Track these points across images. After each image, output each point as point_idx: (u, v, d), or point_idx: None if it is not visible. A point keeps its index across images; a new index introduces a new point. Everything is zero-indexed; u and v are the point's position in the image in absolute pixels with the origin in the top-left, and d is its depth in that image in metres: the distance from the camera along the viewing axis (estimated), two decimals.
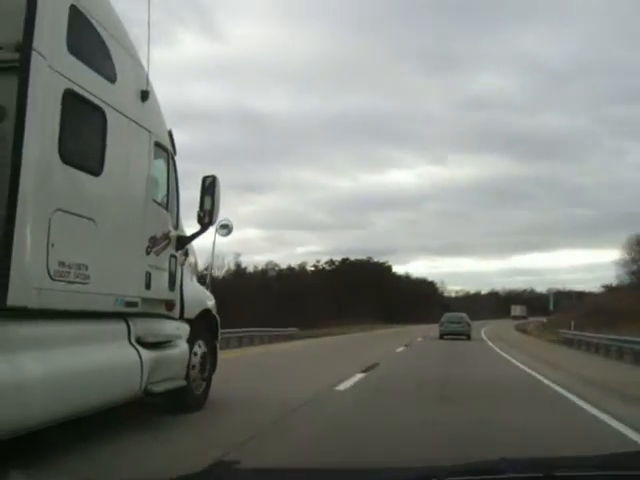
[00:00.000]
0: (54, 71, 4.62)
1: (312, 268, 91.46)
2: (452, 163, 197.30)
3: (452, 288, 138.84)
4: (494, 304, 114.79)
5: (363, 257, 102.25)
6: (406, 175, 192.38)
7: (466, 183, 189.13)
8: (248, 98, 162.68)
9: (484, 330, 49.64)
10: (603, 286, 73.55)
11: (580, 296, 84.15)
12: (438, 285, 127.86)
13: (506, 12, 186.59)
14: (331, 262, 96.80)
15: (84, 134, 5.12)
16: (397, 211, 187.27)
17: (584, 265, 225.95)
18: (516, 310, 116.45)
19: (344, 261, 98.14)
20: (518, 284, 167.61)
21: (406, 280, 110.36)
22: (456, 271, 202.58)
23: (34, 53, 4.37)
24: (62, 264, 4.75)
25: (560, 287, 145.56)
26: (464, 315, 36.40)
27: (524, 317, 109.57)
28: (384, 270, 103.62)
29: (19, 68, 4.36)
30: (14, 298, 4.21)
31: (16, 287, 4.22)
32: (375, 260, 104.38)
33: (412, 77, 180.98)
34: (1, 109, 4.44)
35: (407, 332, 45.21)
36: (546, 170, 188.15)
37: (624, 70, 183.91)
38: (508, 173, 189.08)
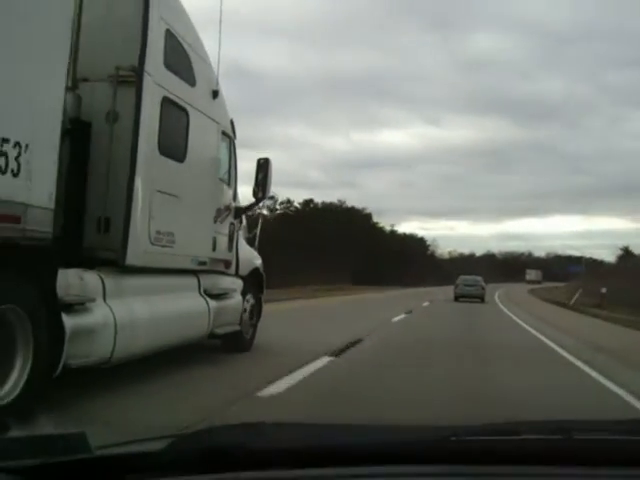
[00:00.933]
0: (156, 84, 6.00)
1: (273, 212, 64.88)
2: (448, 124, 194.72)
3: (444, 250, 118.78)
4: (490, 267, 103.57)
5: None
6: (401, 135, 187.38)
7: (461, 145, 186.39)
8: (241, 52, 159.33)
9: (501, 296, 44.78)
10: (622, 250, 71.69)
11: (593, 263, 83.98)
12: (429, 243, 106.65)
13: None
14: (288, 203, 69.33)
15: (173, 130, 6.50)
16: (390, 172, 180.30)
17: (579, 232, 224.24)
18: (531, 274, 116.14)
19: (307, 204, 72.40)
20: (512, 248, 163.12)
21: (393, 236, 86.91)
22: (448, 234, 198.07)
23: (145, 73, 5.75)
24: (158, 232, 6.20)
25: (559, 252, 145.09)
26: (479, 278, 37.00)
27: (539, 282, 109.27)
28: (363, 218, 78.46)
29: (133, 83, 5.74)
30: (130, 259, 5.68)
31: (131, 251, 5.68)
32: (353, 207, 78.06)
33: (411, 35, 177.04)
34: (115, 113, 5.83)
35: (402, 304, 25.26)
36: (543, 135, 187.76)
37: (626, 35, 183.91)
38: (504, 137, 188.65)
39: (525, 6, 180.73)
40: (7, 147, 3.93)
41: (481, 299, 34.78)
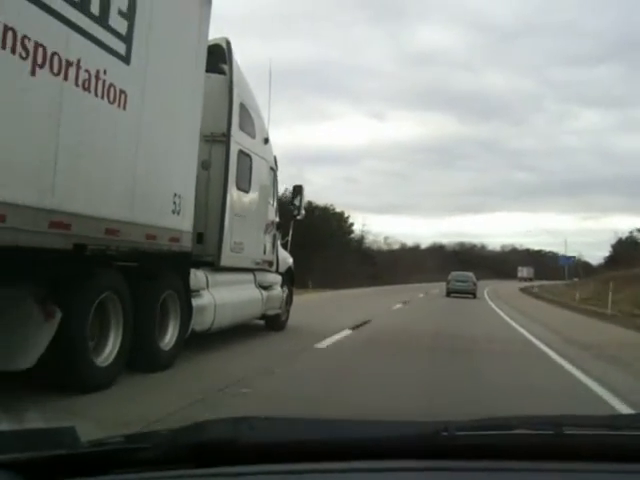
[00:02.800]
0: (235, 142, 8.79)
1: None
2: (393, 120, 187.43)
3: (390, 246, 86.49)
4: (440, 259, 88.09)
5: None
6: (346, 130, 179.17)
7: (406, 141, 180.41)
8: None
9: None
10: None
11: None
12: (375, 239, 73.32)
13: None
14: None
15: (244, 171, 9.29)
16: (335, 167, 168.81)
17: (524, 229, 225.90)
18: (522, 272, 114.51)
19: None
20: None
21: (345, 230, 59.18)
22: (393, 231, 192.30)
23: (230, 136, 8.54)
24: (235, 242, 9.01)
25: (517, 246, 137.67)
26: (471, 274, 37.69)
27: (530, 279, 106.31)
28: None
29: (223, 142, 8.52)
30: (222, 261, 8.49)
31: (223, 256, 8.49)
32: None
33: (356, 27, 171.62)
34: (207, 162, 8.60)
35: None
36: (488, 132, 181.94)
37: (571, 32, 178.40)
38: (449, 133, 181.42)
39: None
40: (176, 198, 6.77)
41: (473, 295, 35.27)
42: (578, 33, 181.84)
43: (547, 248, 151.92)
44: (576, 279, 71.69)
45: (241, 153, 9.05)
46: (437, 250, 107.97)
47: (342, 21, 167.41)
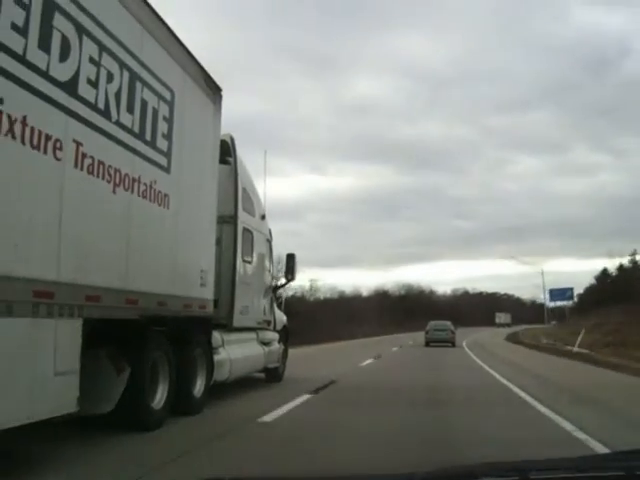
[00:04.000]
0: (240, 222, 10.46)
1: None
2: (333, 172, 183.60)
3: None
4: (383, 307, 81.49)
5: None
6: (287, 184, 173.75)
7: (347, 193, 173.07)
8: None
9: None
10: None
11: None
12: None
13: (389, 15, 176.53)
14: None
15: (247, 245, 10.93)
16: (280, 221, 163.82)
17: (467, 276, 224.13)
18: (500, 318, 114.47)
19: None
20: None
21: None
22: (338, 283, 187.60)
23: (237, 217, 10.21)
24: (242, 306, 10.59)
25: (470, 290, 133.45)
26: (449, 323, 38.43)
27: (508, 325, 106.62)
28: None
29: (231, 223, 10.17)
30: (234, 323, 10.06)
31: (234, 318, 10.06)
32: None
33: (292, 79, 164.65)
34: (219, 239, 10.22)
35: None
36: (428, 181, 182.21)
37: (506, 78, 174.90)
38: (390, 183, 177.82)
39: (406, 48, 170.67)
40: (202, 273, 8.39)
41: (452, 344, 35.59)
42: (511, 77, 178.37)
43: (502, 291, 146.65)
44: (554, 322, 70.91)
45: (245, 230, 10.71)
46: (380, 297, 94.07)
47: (279, 73, 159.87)
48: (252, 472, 4.23)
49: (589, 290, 73.57)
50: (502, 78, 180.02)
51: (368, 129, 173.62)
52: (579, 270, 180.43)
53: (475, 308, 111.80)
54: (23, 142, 4.66)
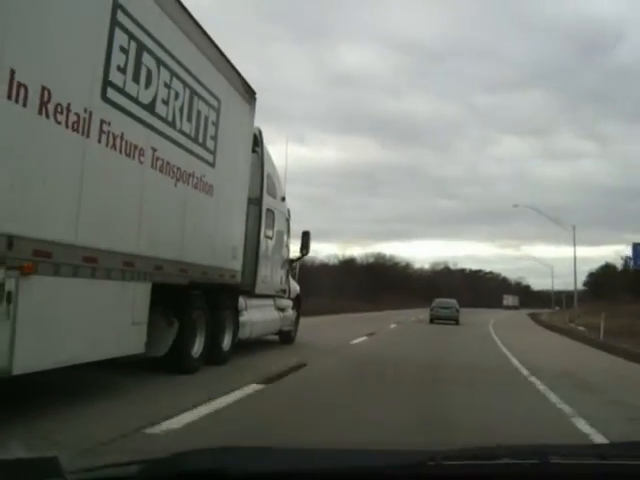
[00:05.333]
0: (265, 204, 12.13)
1: None
2: (313, 143, 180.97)
3: None
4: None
5: None
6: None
7: (328, 166, 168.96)
8: None
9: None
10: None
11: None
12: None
13: None
14: None
15: (270, 223, 12.61)
16: None
17: (448, 255, 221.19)
18: (508, 300, 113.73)
19: None
20: None
21: None
22: (315, 257, 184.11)
23: (262, 199, 11.89)
24: (263, 276, 12.31)
25: (451, 265, 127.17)
26: (454, 301, 38.56)
27: (516, 307, 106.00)
28: None
29: (257, 204, 11.84)
30: (256, 291, 11.80)
31: (256, 286, 11.79)
32: None
33: (278, 45, 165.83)
34: (247, 218, 11.89)
35: None
36: (412, 157, 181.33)
37: (495, 57, 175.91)
38: (372, 158, 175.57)
39: (394, 19, 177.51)
40: (234, 248, 10.10)
41: (456, 321, 36.14)
42: (501, 58, 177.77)
43: (487, 268, 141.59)
44: (557, 308, 72.28)
45: (268, 211, 12.40)
46: (343, 266, 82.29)
47: (263, 35, 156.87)
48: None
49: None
50: (491, 57, 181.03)
51: (353, 101, 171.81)
52: (557, 256, 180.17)
53: (454, 285, 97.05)
54: (121, 152, 6.35)
